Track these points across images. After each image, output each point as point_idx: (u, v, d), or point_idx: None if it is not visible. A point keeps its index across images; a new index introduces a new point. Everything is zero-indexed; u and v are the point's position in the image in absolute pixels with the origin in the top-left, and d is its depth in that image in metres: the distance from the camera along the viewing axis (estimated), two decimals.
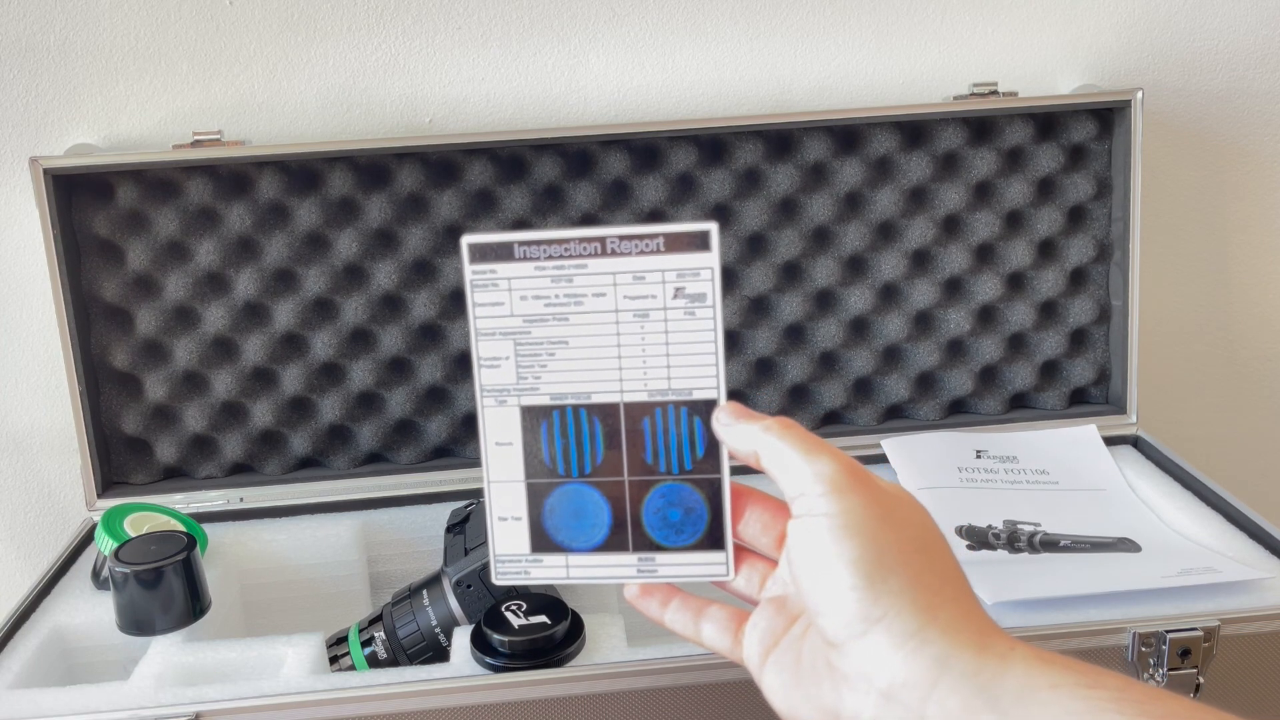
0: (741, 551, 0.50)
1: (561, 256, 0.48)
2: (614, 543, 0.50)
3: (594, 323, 0.49)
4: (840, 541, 0.42)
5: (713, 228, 0.48)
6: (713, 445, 0.49)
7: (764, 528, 0.49)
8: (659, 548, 0.50)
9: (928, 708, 0.40)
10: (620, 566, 0.51)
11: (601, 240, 0.48)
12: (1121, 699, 0.37)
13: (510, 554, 0.51)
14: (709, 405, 0.49)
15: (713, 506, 0.50)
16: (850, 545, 0.42)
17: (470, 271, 0.49)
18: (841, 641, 0.42)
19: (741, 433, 0.47)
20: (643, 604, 0.51)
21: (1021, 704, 0.38)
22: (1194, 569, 0.71)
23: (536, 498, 0.51)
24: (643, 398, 0.49)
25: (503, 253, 0.49)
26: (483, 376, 0.50)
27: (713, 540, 0.50)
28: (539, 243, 0.48)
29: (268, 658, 0.69)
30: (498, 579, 0.52)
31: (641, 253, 0.48)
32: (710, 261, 0.48)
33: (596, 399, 0.49)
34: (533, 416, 0.50)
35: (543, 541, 0.51)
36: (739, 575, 0.50)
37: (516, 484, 0.51)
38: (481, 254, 0.49)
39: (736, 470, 0.49)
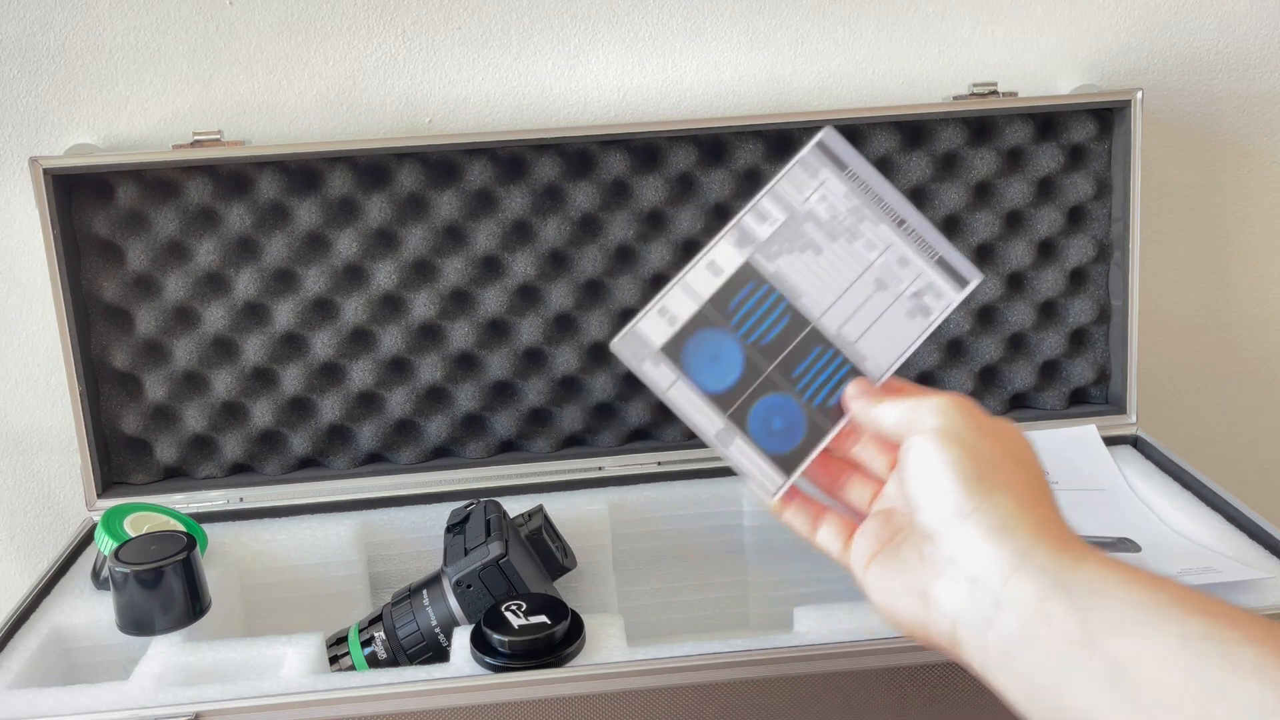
0: (839, 482, 0.56)
1: (873, 204, 0.56)
2: (719, 402, 0.55)
3: (849, 258, 0.56)
4: (942, 449, 0.49)
5: (977, 279, 0.56)
6: (841, 406, 0.55)
7: (879, 450, 0.56)
8: (746, 434, 0.55)
9: (1005, 590, 0.45)
10: (706, 420, 0.55)
11: (904, 220, 0.56)
12: (1182, 598, 0.42)
13: (645, 337, 0.55)
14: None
15: (808, 442, 0.55)
16: (950, 451, 0.49)
17: (809, 152, 0.56)
18: (937, 531, 0.48)
19: (861, 407, 0.54)
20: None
21: (1090, 594, 0.43)
22: (1194, 569, 0.71)
23: (700, 322, 0.55)
24: (831, 333, 0.56)
25: (839, 164, 0.56)
26: (745, 219, 0.55)
27: (786, 464, 0.55)
28: (867, 184, 0.56)
29: (268, 658, 0.69)
30: (617, 344, 0.55)
31: (920, 251, 0.56)
32: (955, 297, 0.56)
33: (802, 303, 0.55)
34: (750, 271, 0.55)
35: (674, 352, 0.55)
36: (853, 489, 0.56)
37: (697, 300, 0.55)
38: (827, 151, 0.56)
39: None
